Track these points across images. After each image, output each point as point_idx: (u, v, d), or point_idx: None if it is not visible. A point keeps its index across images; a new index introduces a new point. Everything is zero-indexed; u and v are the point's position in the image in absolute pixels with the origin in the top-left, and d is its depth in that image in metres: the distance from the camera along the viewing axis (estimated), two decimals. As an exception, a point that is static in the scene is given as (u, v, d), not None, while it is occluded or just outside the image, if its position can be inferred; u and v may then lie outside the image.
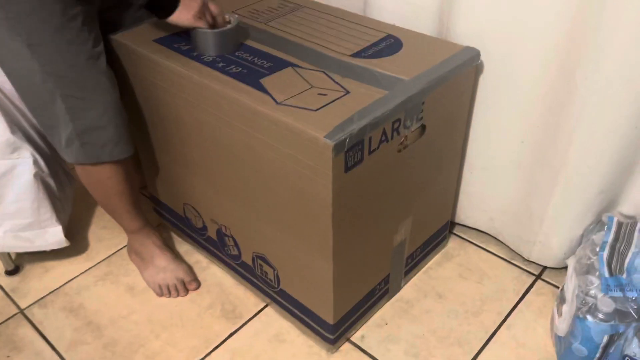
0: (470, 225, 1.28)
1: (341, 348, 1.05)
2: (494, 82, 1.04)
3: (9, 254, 1.21)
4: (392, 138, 0.86)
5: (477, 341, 1.06)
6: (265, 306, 1.14)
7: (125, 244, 1.30)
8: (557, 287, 1.16)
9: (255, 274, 1.11)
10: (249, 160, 0.92)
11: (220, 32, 0.97)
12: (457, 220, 1.28)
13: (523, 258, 1.22)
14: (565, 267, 1.18)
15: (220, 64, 0.95)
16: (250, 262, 1.10)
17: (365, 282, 1.02)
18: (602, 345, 0.91)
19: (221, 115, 0.91)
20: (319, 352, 1.05)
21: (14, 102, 1.10)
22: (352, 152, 0.79)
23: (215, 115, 0.93)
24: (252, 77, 0.90)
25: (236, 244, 1.10)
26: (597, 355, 0.93)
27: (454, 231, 1.30)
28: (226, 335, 1.08)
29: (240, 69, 0.93)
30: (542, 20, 0.93)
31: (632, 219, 1.05)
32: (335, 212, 0.82)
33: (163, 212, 1.30)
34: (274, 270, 1.04)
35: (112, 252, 1.29)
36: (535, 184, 1.09)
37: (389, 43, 1.01)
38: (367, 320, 1.10)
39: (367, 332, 1.08)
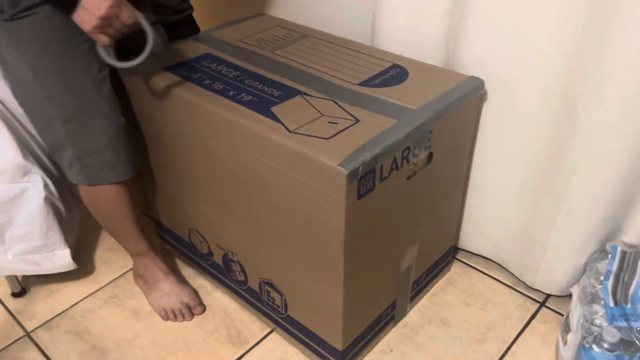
0: (473, 252, 1.29)
1: (347, 374, 1.05)
2: (497, 111, 1.06)
3: (16, 276, 1.22)
4: (401, 166, 0.88)
5: (483, 368, 1.06)
6: (271, 331, 1.14)
7: (131, 266, 1.30)
8: (561, 315, 1.17)
9: (261, 299, 1.11)
10: (258, 187, 0.93)
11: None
12: (460, 245, 1.30)
13: (526, 285, 1.23)
14: (569, 295, 1.19)
15: (231, 92, 0.97)
16: (256, 288, 1.10)
17: (373, 308, 1.03)
18: (607, 374, 0.91)
19: (231, 142, 0.93)
20: (324, 379, 1.05)
21: (25, 125, 1.11)
22: (364, 180, 0.80)
23: (224, 142, 0.94)
24: (263, 106, 0.92)
25: (243, 270, 1.11)
26: (603, 384, 0.93)
27: (458, 256, 1.31)
28: (231, 361, 1.08)
29: (250, 97, 0.95)
30: (544, 52, 0.95)
31: (636, 248, 1.07)
32: (347, 240, 0.83)
33: (167, 237, 1.31)
34: (282, 296, 1.04)
35: (118, 274, 1.29)
36: (538, 211, 1.11)
37: (395, 72, 1.03)
38: (373, 347, 1.10)
39: (373, 358, 1.08)
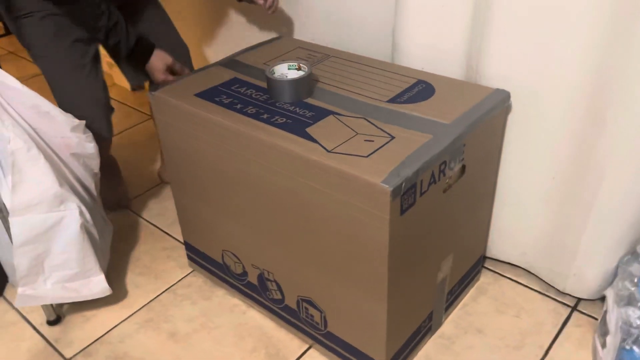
0: (502, 260, 1.30)
1: (389, 387, 1.06)
2: (522, 122, 1.09)
3: (51, 304, 1.23)
4: (439, 179, 0.90)
5: (522, 375, 1.07)
6: (309, 348, 1.15)
7: (163, 289, 1.32)
8: (594, 318, 1.18)
9: (299, 317, 1.12)
10: (295, 207, 0.95)
11: (295, 80, 1.02)
12: (488, 254, 1.31)
13: (557, 290, 1.24)
14: (601, 298, 1.20)
15: (265, 115, 0.99)
16: (294, 306, 1.11)
17: (412, 320, 1.04)
18: (650, 375, 0.93)
19: (267, 164, 0.95)
20: (366, 393, 1.06)
21: (59, 154, 1.13)
22: (406, 195, 0.82)
23: (260, 165, 0.96)
24: (297, 127, 0.94)
25: (279, 289, 1.12)
26: (646, 385, 0.94)
27: (486, 265, 1.33)
28: (273, 379, 1.09)
29: (284, 119, 0.97)
30: (568, 63, 0.98)
31: (665, 249, 1.08)
32: (390, 255, 0.85)
33: (198, 259, 1.33)
34: (321, 313, 1.06)
35: (151, 298, 1.30)
36: (566, 218, 1.12)
37: (421, 88, 1.05)
38: (412, 358, 1.11)
39: (413, 370, 1.09)
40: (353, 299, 0.96)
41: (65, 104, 1.23)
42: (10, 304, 1.31)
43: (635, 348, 0.93)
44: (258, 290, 1.19)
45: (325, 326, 1.07)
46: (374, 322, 0.95)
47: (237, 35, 1.66)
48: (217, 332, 1.20)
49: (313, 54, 1.23)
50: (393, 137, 0.90)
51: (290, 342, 1.17)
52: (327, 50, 1.25)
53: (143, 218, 1.58)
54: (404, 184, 0.80)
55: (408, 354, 1.09)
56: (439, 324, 1.18)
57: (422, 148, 0.87)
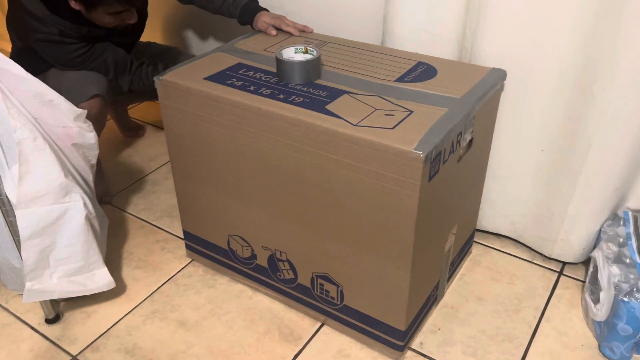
0: (492, 231, 1.39)
1: (405, 356, 1.11)
2: (514, 98, 1.17)
3: (50, 301, 1.19)
4: (455, 150, 0.95)
5: (524, 335, 1.15)
6: (322, 325, 1.18)
7: (163, 281, 1.31)
8: (580, 281, 1.28)
9: (312, 294, 1.15)
10: (320, 182, 0.98)
11: (307, 61, 1.04)
12: (479, 227, 1.39)
13: (543, 257, 1.34)
14: (582, 262, 1.30)
15: (281, 96, 1.01)
16: (308, 284, 1.14)
17: (424, 289, 1.10)
18: (645, 321, 1.02)
19: (291, 142, 0.97)
20: (384, 362, 1.10)
21: (59, 145, 1.10)
22: (434, 162, 0.87)
23: (283, 143, 0.98)
24: (316, 105, 0.97)
25: (292, 268, 1.14)
26: (640, 331, 1.04)
27: (475, 238, 1.41)
28: (291, 357, 1.11)
29: (301, 99, 1.00)
30: (559, 41, 1.06)
31: (642, 211, 1.20)
32: (417, 221, 0.90)
33: (199, 248, 1.32)
34: (338, 287, 1.09)
35: (153, 290, 1.29)
36: (555, 187, 1.22)
37: (424, 69, 1.11)
38: (422, 328, 1.16)
39: (424, 339, 1.14)
40: (375, 269, 1.00)
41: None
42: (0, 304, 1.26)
43: (632, 299, 1.02)
44: (267, 273, 1.21)
45: (342, 300, 1.10)
46: (396, 290, 0.99)
47: (225, 24, 1.66)
48: (227, 317, 1.21)
49: (310, 40, 1.26)
50: (412, 112, 0.95)
51: (302, 322, 1.19)
52: (322, 37, 1.29)
53: (129, 213, 1.55)
54: (433, 151, 0.85)
55: (420, 323, 1.14)
56: (443, 294, 1.24)
57: (442, 119, 0.92)
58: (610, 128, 1.08)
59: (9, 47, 1.44)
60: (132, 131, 1.91)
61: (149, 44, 1.66)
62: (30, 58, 1.37)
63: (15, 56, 1.44)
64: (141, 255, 1.39)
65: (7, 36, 1.41)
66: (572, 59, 1.07)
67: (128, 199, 1.61)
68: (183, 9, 1.72)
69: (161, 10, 1.83)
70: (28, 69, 1.41)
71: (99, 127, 1.35)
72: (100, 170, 1.60)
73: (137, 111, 1.98)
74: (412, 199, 0.87)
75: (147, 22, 1.51)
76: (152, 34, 1.83)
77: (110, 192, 1.61)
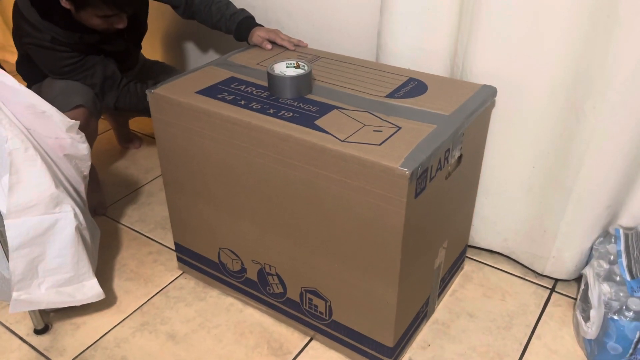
0: (484, 247, 1.38)
1: (393, 372, 1.10)
2: (505, 115, 1.17)
3: (40, 311, 1.19)
4: (443, 167, 0.96)
5: (515, 353, 1.14)
6: (311, 339, 1.17)
7: (154, 293, 1.30)
8: (571, 298, 1.27)
9: (301, 309, 1.15)
10: (308, 197, 0.98)
11: (298, 76, 1.05)
12: (471, 242, 1.38)
13: (535, 274, 1.33)
14: (575, 279, 1.30)
15: (271, 110, 1.02)
16: (297, 298, 1.14)
17: (414, 306, 1.09)
18: (635, 340, 1.02)
19: (280, 157, 0.97)
20: (372, 378, 1.09)
21: (52, 155, 1.11)
22: (420, 179, 0.87)
23: (273, 158, 0.99)
24: (306, 120, 0.98)
25: (281, 282, 1.14)
26: (630, 351, 1.03)
27: (468, 254, 1.40)
28: (280, 372, 1.11)
29: (291, 113, 1.00)
30: (550, 59, 1.07)
31: (633, 230, 1.19)
32: (404, 237, 0.90)
33: (190, 260, 1.32)
34: (326, 302, 1.08)
35: (143, 302, 1.28)
36: (547, 204, 1.21)
37: (414, 85, 1.12)
38: (411, 344, 1.16)
39: (414, 355, 1.14)
40: (363, 285, 1.00)
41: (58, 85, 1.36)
42: (-9, 315, 1.26)
43: (621, 317, 1.02)
44: (257, 286, 1.20)
45: (330, 315, 1.10)
46: (384, 306, 0.99)
47: (220, 39, 1.67)
48: (217, 331, 1.20)
49: (303, 55, 1.27)
50: (400, 128, 0.95)
51: (291, 336, 1.19)
52: (316, 52, 1.29)
53: (123, 224, 1.55)
54: (419, 168, 0.85)
55: (409, 339, 1.13)
56: (433, 310, 1.23)
57: (430, 136, 0.92)
58: (601, 146, 1.08)
59: (11, 58, 1.46)
60: (130, 143, 1.92)
61: (156, 62, 1.68)
62: (31, 66, 1.39)
63: (19, 64, 1.45)
64: (133, 266, 1.39)
65: (10, 47, 1.43)
66: (563, 77, 1.07)
67: (122, 210, 1.61)
68: (183, 24, 1.74)
69: (160, 26, 1.84)
70: (28, 76, 1.43)
71: (89, 140, 1.35)
72: (95, 181, 1.61)
73: (136, 122, 1.98)
74: (399, 215, 0.87)
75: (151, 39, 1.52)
76: (152, 50, 1.85)
77: (105, 204, 1.61)
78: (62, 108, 1.28)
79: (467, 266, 1.37)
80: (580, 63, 1.04)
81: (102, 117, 1.88)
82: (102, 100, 1.42)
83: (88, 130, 1.37)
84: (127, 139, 1.91)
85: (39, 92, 1.11)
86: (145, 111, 1.26)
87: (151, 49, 1.83)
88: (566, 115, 1.10)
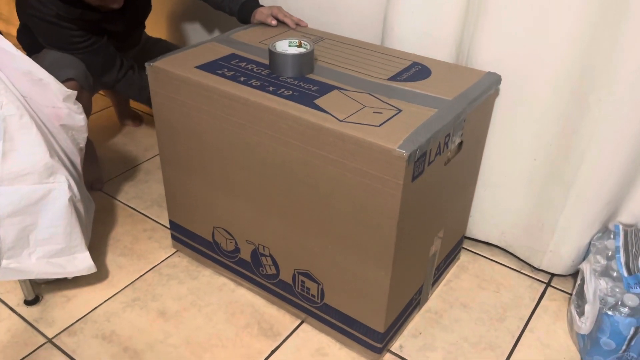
0: (481, 239, 1.37)
1: (383, 358, 1.09)
2: (509, 105, 1.15)
3: (31, 282, 1.18)
4: (442, 152, 0.94)
5: (506, 344, 1.13)
6: (302, 322, 1.17)
7: (147, 269, 1.30)
8: (567, 293, 1.26)
9: (293, 291, 1.14)
10: (304, 178, 0.96)
11: (300, 55, 1.03)
12: (468, 234, 1.37)
13: (532, 268, 1.32)
14: (572, 275, 1.29)
15: (270, 88, 1.00)
16: (289, 280, 1.13)
17: (406, 292, 1.08)
18: (628, 337, 1.00)
19: (278, 135, 0.96)
20: (362, 363, 1.08)
21: (48, 125, 1.10)
22: (418, 163, 0.86)
23: (270, 136, 0.97)
24: (305, 99, 0.96)
25: (274, 263, 1.13)
26: (623, 347, 1.02)
27: (464, 246, 1.39)
28: (268, 352, 1.10)
29: (291, 92, 0.99)
30: (557, 50, 1.05)
31: (633, 227, 1.18)
32: (400, 221, 0.88)
33: (184, 239, 1.31)
34: (319, 285, 1.07)
35: (135, 278, 1.28)
36: (546, 197, 1.20)
37: (418, 69, 1.10)
38: (402, 331, 1.15)
39: (404, 342, 1.13)
40: (356, 268, 0.99)
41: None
42: (-18, 284, 1.25)
43: (616, 313, 1.00)
44: (250, 267, 1.19)
45: (322, 298, 1.09)
46: (376, 291, 0.98)
47: (224, 18, 1.65)
48: (208, 310, 1.19)
49: (307, 36, 1.25)
50: (400, 110, 0.93)
51: (282, 318, 1.18)
52: (320, 33, 1.28)
53: (119, 200, 1.54)
54: (417, 151, 0.84)
55: (400, 327, 1.12)
56: (426, 299, 1.22)
57: (430, 120, 0.91)
58: (604, 140, 1.06)
59: (15, 31, 1.44)
60: (130, 120, 1.90)
61: (159, 41, 1.66)
62: (31, 36, 1.38)
63: (20, 33, 1.43)
64: (127, 242, 1.38)
65: (14, 20, 1.41)
66: (568, 68, 1.05)
67: (119, 187, 1.60)
68: (188, 3, 1.72)
69: (165, 4, 1.82)
70: (29, 46, 1.41)
71: None
72: (93, 156, 1.59)
73: (137, 100, 1.97)
74: (395, 198, 0.86)
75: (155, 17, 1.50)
76: (156, 28, 1.83)
77: (102, 179, 1.60)
78: None
79: (463, 257, 1.36)
80: (587, 55, 1.02)
81: (102, 93, 1.88)
82: (101, 79, 1.41)
83: (81, 104, 1.36)
84: (128, 117, 1.90)
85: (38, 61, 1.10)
86: (147, 102, 1.25)
87: (155, 26, 1.81)
88: (570, 108, 1.08)
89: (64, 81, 1.29)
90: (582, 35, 1.01)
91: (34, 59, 1.06)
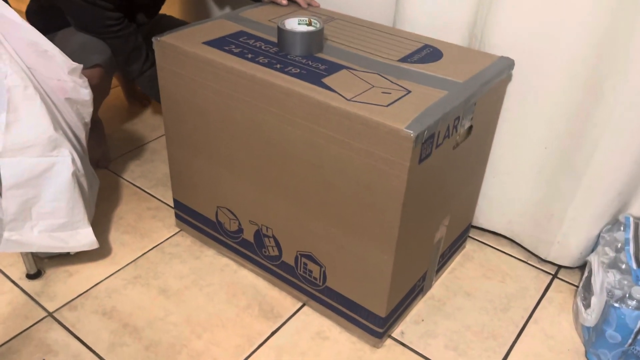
0: (488, 229, 1.35)
1: (384, 344, 1.08)
2: (521, 91, 1.12)
3: (33, 256, 1.18)
4: (451, 135, 0.92)
5: (509, 334, 1.12)
6: (303, 305, 1.16)
7: (150, 248, 1.29)
8: (573, 285, 1.24)
9: (295, 273, 1.12)
10: (309, 158, 0.95)
11: (309, 33, 1.01)
12: (475, 223, 1.35)
13: (538, 258, 1.30)
14: (579, 267, 1.26)
15: (277, 65, 0.98)
16: (292, 262, 1.11)
17: (410, 278, 1.07)
18: (635, 330, 0.98)
19: (283, 113, 0.94)
20: (362, 348, 1.07)
21: (53, 98, 1.09)
22: (425, 144, 0.84)
23: (275, 114, 0.96)
24: (313, 77, 0.94)
25: (277, 244, 1.12)
26: (629, 340, 1.00)
27: (471, 235, 1.37)
28: (268, 334, 1.09)
29: (298, 70, 0.97)
30: (571, 36, 1.02)
31: (644, 219, 1.15)
32: (405, 204, 0.86)
33: (188, 218, 1.30)
34: (321, 267, 1.06)
35: (138, 255, 1.27)
36: (556, 187, 1.17)
37: (429, 51, 1.07)
38: (404, 317, 1.13)
39: (406, 329, 1.12)
40: (359, 251, 0.97)
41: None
42: (-14, 257, 1.25)
43: (623, 305, 0.98)
44: (253, 248, 1.18)
45: (324, 281, 1.08)
46: (378, 275, 0.97)
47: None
48: (209, 290, 1.19)
49: (318, 15, 1.23)
50: (409, 91, 0.91)
51: (284, 300, 1.17)
52: (331, 13, 1.25)
53: (125, 179, 1.53)
54: (426, 132, 0.82)
55: (402, 312, 1.11)
56: (430, 286, 1.20)
57: (440, 102, 0.88)
58: (618, 130, 1.03)
59: (22, 6, 1.43)
60: (137, 100, 1.89)
61: (170, 21, 1.64)
62: (46, 17, 1.36)
63: (32, 13, 1.42)
64: (131, 220, 1.38)
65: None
66: (584, 54, 1.03)
67: (125, 165, 1.59)
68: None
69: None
70: (40, 27, 1.39)
71: (99, 96, 1.33)
72: (101, 133, 1.59)
73: (145, 79, 1.96)
74: (400, 180, 0.84)
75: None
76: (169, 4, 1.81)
77: (109, 157, 1.60)
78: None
79: (469, 246, 1.34)
80: (604, 41, 0.99)
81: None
82: (126, 68, 1.39)
83: (101, 88, 1.35)
84: (135, 96, 1.89)
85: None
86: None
87: (167, 4, 1.80)
88: (584, 95, 1.06)
89: (90, 67, 1.27)
90: (599, 21, 0.98)
91: (51, 39, 1.04)
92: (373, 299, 1.01)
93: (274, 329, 1.10)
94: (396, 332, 1.11)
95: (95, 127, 1.53)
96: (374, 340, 1.06)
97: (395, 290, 1.02)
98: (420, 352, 1.07)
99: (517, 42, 1.08)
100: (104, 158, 1.57)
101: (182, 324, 1.10)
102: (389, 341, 1.09)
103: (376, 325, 1.03)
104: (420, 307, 1.17)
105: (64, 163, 1.08)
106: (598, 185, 1.11)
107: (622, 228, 1.14)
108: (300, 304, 1.16)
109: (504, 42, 1.09)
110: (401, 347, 1.08)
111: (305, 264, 1.09)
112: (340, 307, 1.08)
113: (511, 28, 1.07)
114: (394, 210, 0.88)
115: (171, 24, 1.60)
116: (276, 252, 1.14)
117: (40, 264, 1.23)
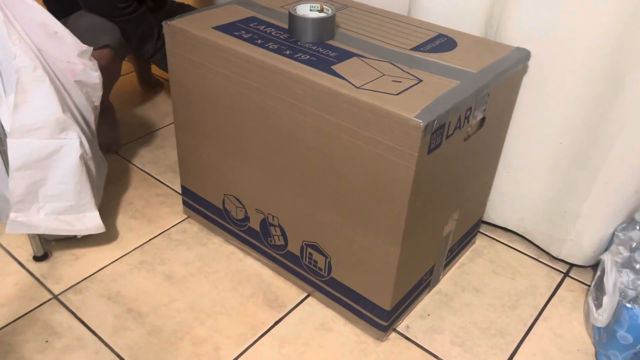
0: (499, 224, 1.32)
1: (389, 337, 1.07)
2: (538, 85, 1.09)
3: (40, 238, 1.18)
4: (463, 126, 0.90)
5: (517, 332, 1.09)
6: (308, 296, 1.14)
7: (156, 233, 1.29)
8: (585, 285, 1.21)
9: (301, 263, 1.11)
10: (317, 146, 0.93)
11: (320, 19, 1.00)
12: (486, 219, 1.33)
13: (550, 256, 1.27)
14: (592, 266, 1.24)
15: (287, 52, 0.97)
16: (297, 252, 1.10)
17: (416, 272, 1.05)
18: (647, 332, 0.96)
19: (292, 100, 0.93)
20: (366, 341, 1.06)
21: (62, 80, 1.08)
22: (435, 134, 0.82)
23: (284, 101, 0.94)
24: (322, 65, 0.93)
25: (283, 234, 1.11)
26: (641, 342, 0.97)
27: (481, 230, 1.35)
28: (272, 323, 1.08)
29: (308, 56, 0.95)
30: (591, 27, 0.99)
31: (661, 219, 1.12)
32: (412, 194, 0.85)
33: (195, 205, 1.29)
34: (327, 258, 1.05)
35: (144, 241, 1.27)
36: (571, 184, 1.14)
37: (443, 41, 1.05)
38: (410, 312, 1.12)
39: (411, 323, 1.10)
40: (365, 242, 0.96)
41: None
42: (-6, 238, 1.26)
43: (636, 306, 0.96)
44: (259, 237, 1.17)
45: (329, 272, 1.06)
46: (384, 266, 0.95)
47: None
48: (215, 277, 1.18)
49: (330, 2, 1.21)
50: (421, 80, 0.89)
51: (288, 290, 1.16)
52: (344, 0, 1.23)
53: (134, 165, 1.53)
54: (435, 122, 0.80)
55: (407, 306, 1.09)
56: (437, 281, 1.19)
57: (451, 92, 0.86)
58: (636, 126, 1.00)
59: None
60: (150, 86, 1.89)
61: (181, 5, 1.64)
62: (60, 1, 1.35)
63: None
64: (139, 206, 1.38)
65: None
66: (603, 46, 0.99)
67: (135, 151, 1.59)
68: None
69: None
70: (55, 10, 1.39)
71: (109, 80, 1.33)
72: (112, 118, 1.59)
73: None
74: (408, 170, 0.82)
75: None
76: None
77: (120, 142, 1.60)
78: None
79: (479, 241, 1.32)
80: (625, 32, 0.96)
81: (125, 58, 1.86)
82: (140, 49, 1.40)
83: (111, 71, 1.35)
84: (149, 82, 1.89)
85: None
86: None
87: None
88: (603, 88, 1.02)
89: (99, 48, 1.27)
90: (621, 12, 0.95)
91: (63, 23, 1.04)
92: (378, 292, 1.00)
93: (277, 318, 1.09)
94: (401, 326, 1.09)
95: (107, 112, 1.53)
96: (378, 334, 1.04)
97: (401, 284, 1.00)
98: (425, 347, 1.05)
99: (534, 33, 1.05)
100: (114, 143, 1.57)
101: (186, 311, 1.10)
102: (393, 335, 1.07)
103: (381, 318, 1.02)
104: (426, 302, 1.15)
105: (72, 146, 1.08)
106: (614, 183, 1.08)
107: (637, 227, 1.10)
108: (305, 295, 1.15)
109: (521, 33, 1.06)
110: (406, 341, 1.06)
111: (310, 254, 1.08)
112: (344, 298, 1.07)
113: (529, 19, 1.04)
114: (402, 200, 0.86)
115: (182, 11, 1.59)
116: (282, 242, 1.12)
117: (48, 247, 1.23)
